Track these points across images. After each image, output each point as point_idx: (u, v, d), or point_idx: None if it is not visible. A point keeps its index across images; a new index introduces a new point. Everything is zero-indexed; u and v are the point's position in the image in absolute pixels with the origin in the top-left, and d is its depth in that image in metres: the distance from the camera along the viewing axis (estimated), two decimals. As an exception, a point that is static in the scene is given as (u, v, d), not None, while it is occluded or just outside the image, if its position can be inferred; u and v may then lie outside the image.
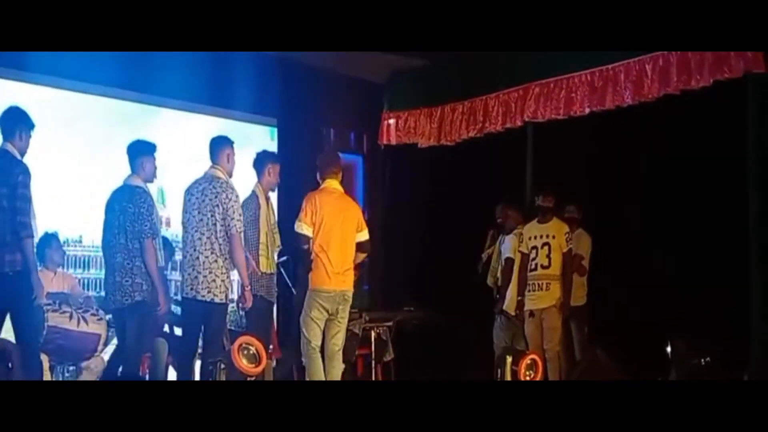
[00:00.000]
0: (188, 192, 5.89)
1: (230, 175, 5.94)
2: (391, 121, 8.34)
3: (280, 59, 8.17)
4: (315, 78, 8.41)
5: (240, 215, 5.77)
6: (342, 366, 6.03)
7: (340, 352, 5.99)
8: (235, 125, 8.25)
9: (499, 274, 7.28)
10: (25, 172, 5.18)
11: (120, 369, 5.75)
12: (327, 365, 5.93)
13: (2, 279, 5.10)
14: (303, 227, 5.94)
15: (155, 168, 5.90)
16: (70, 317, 5.71)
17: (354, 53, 7.66)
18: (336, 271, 5.96)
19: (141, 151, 5.85)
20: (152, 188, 7.47)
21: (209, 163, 5.99)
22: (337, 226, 5.99)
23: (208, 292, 5.70)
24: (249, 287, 5.84)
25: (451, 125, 7.86)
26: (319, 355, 5.93)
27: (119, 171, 7.06)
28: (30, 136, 5.35)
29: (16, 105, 5.41)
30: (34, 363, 5.28)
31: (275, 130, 8.55)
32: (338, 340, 5.98)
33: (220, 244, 5.71)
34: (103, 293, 6.80)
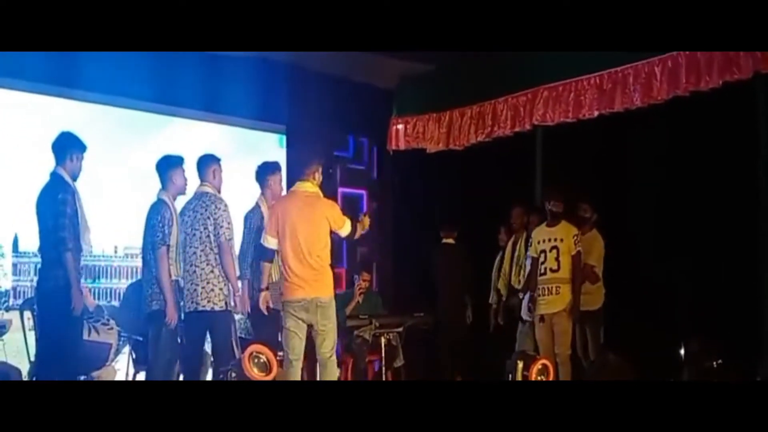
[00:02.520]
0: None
1: (219, 191, 6.06)
2: (400, 127, 8.33)
3: (288, 66, 8.19)
4: (324, 84, 8.43)
5: (229, 224, 5.89)
6: (337, 372, 5.92)
7: (333, 359, 5.81)
8: (245, 133, 8.29)
9: (521, 277, 7.24)
10: (66, 190, 5.42)
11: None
12: (321, 373, 5.85)
13: (50, 293, 5.37)
14: (267, 240, 5.81)
15: (185, 180, 6.04)
16: (82, 326, 5.75)
17: (363, 59, 7.73)
18: (305, 278, 5.72)
19: (168, 166, 6.01)
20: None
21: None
22: (302, 232, 5.74)
23: (208, 301, 5.83)
24: (239, 293, 5.95)
25: (460, 130, 7.84)
26: (297, 367, 5.76)
27: (133, 180, 7.21)
28: (82, 158, 5.61)
29: (68, 131, 5.66)
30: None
31: (284, 137, 8.57)
32: (326, 348, 5.76)
33: (215, 255, 5.86)
34: (115, 303, 6.95)
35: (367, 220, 6.20)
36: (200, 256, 5.86)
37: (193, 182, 6.17)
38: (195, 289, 5.85)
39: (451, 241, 7.97)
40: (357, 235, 6.10)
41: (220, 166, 6.11)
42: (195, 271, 5.86)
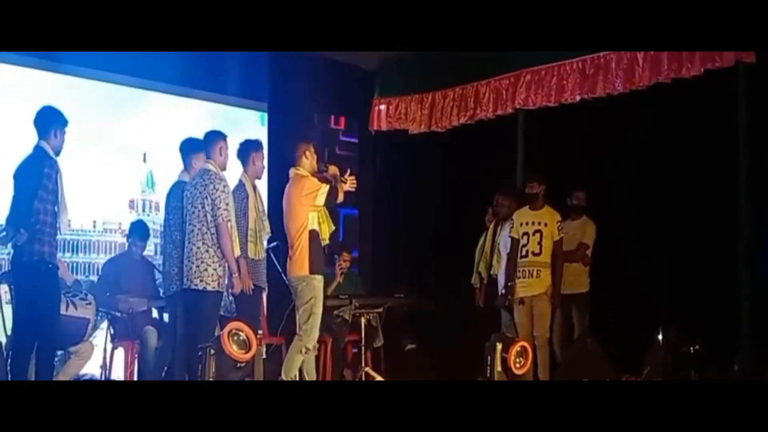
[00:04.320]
0: (185, 188, 5.98)
1: (223, 168, 6.00)
2: (382, 107, 8.33)
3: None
4: (306, 63, 8.36)
5: (227, 204, 5.82)
6: (298, 358, 5.95)
7: (297, 341, 5.99)
8: (226, 110, 8.24)
9: (496, 262, 7.25)
10: (51, 165, 5.35)
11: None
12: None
13: (26, 267, 5.31)
14: None
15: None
16: (59, 301, 5.70)
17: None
18: (288, 258, 6.06)
19: (191, 149, 6.08)
20: (142, 172, 7.58)
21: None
22: (285, 216, 6.07)
23: (201, 281, 5.77)
24: (237, 274, 5.89)
25: (442, 112, 7.85)
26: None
27: (113, 155, 7.15)
28: (64, 133, 5.52)
29: (49, 105, 5.57)
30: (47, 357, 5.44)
31: (266, 115, 8.52)
32: (299, 325, 5.99)
33: (211, 234, 5.79)
34: (93, 278, 6.91)
35: (350, 181, 6.27)
36: (197, 234, 5.79)
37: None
38: (190, 267, 5.78)
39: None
40: (341, 198, 6.19)
41: (226, 142, 6.02)
42: (191, 249, 5.80)
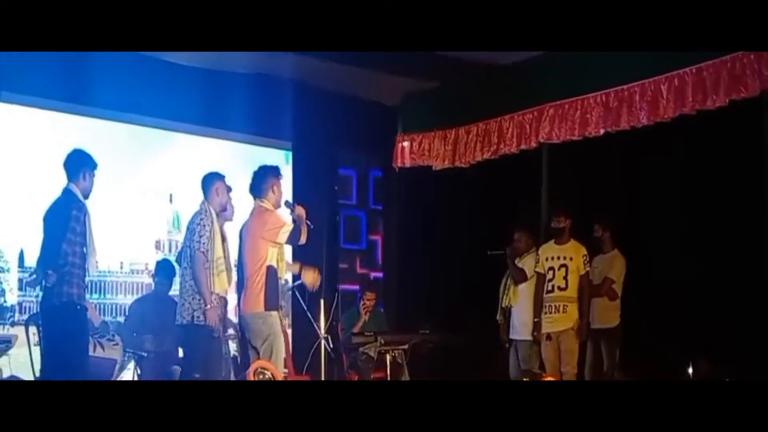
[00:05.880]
0: None
1: (223, 208, 5.98)
2: (405, 144, 8.32)
3: (294, 82, 8.22)
4: (329, 101, 8.44)
5: (201, 236, 5.76)
6: None
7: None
8: (251, 150, 8.29)
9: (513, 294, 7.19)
10: (79, 208, 5.41)
11: None
12: None
13: (55, 309, 5.33)
14: None
15: (228, 196, 6.02)
16: (87, 343, 5.73)
17: (368, 76, 7.75)
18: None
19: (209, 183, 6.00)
20: (169, 213, 7.63)
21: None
22: (243, 247, 5.92)
23: (180, 316, 5.78)
24: (210, 306, 5.72)
25: (466, 147, 7.82)
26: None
27: (139, 195, 7.20)
28: (93, 176, 5.59)
29: (80, 148, 5.64)
30: None
31: (290, 153, 8.58)
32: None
33: (191, 269, 5.77)
34: (120, 319, 6.95)
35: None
36: (182, 269, 5.86)
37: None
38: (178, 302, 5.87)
39: None
40: (304, 239, 5.97)
41: (224, 183, 6.01)
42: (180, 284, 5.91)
